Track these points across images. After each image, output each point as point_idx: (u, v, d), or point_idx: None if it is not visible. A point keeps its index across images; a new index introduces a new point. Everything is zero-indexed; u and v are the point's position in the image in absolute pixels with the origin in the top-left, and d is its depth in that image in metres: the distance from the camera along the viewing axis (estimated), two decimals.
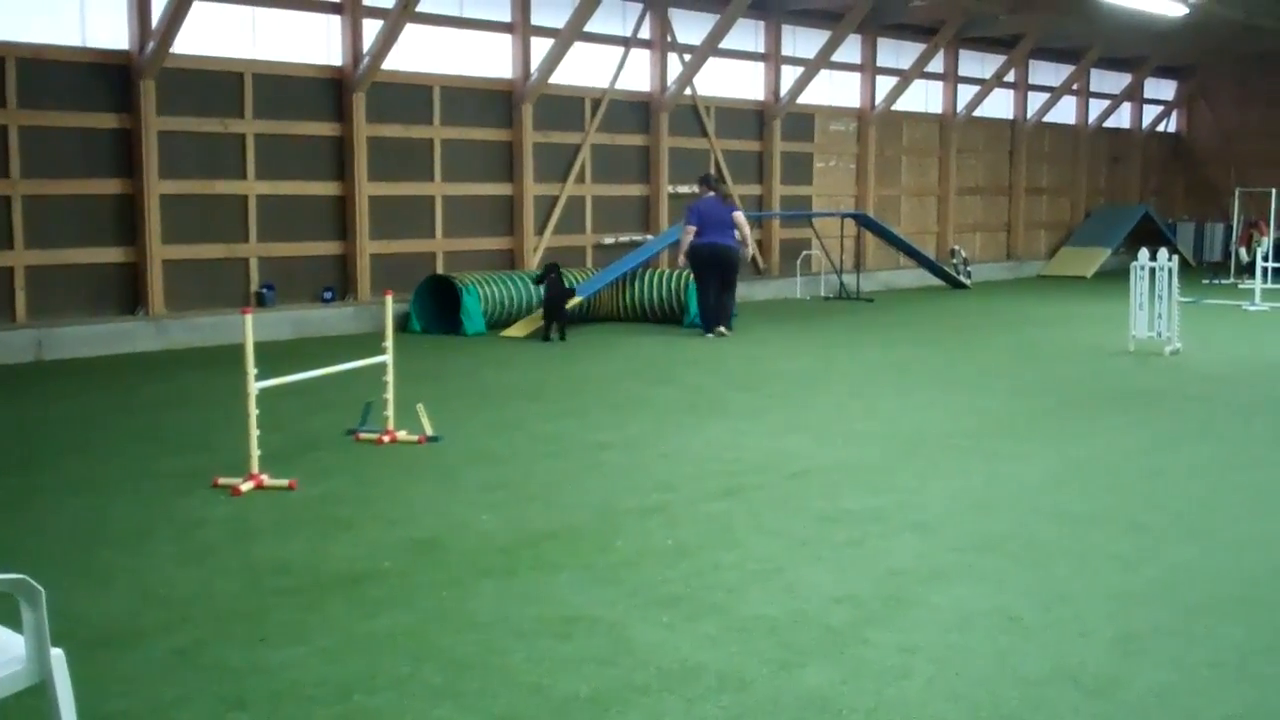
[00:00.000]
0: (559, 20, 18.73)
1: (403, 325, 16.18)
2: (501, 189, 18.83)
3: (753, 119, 22.85)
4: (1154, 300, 14.69)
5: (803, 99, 23.28)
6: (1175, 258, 14.82)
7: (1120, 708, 4.71)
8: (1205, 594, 6.02)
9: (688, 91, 21.14)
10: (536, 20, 18.82)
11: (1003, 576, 6.28)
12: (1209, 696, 4.81)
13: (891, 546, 6.79)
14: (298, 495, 7.76)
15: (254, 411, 7.91)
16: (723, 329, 16.26)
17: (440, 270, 17.73)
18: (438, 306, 16.77)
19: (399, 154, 17.53)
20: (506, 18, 18.63)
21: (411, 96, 17.64)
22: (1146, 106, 33.29)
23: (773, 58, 22.92)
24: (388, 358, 9.41)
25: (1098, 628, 5.53)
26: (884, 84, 25.17)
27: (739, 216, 16.58)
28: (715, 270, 16.32)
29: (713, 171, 20.52)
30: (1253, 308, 20.21)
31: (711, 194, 16.88)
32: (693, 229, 16.27)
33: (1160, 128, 34.01)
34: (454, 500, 7.73)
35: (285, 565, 6.36)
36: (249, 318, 7.88)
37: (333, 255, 16.96)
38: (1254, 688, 4.90)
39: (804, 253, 23.06)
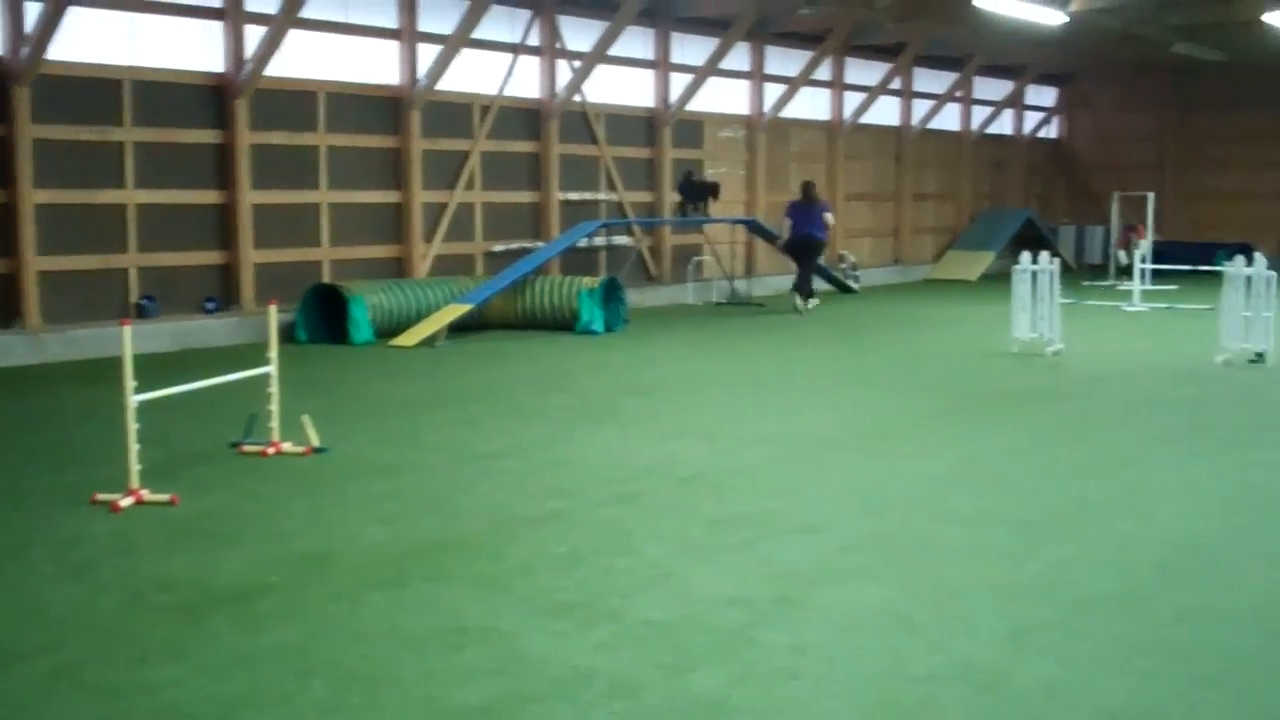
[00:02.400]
0: (447, 26, 18.62)
1: (288, 336, 15.95)
2: (389, 196, 18.66)
3: (643, 126, 22.91)
4: (1036, 302, 14.99)
5: (692, 106, 23.39)
6: (1056, 261, 15.13)
7: (1007, 702, 4.79)
8: (1088, 589, 6.15)
9: (577, 98, 21.14)
10: (424, 26, 18.69)
11: (891, 575, 6.35)
12: (1093, 689, 4.91)
13: (782, 548, 6.84)
14: (180, 510, 7.61)
15: (134, 425, 7.74)
16: (800, 301, 20.59)
17: (327, 279, 17.52)
18: (325, 316, 16.55)
19: (283, 161, 17.29)
20: (393, 23, 18.48)
21: (296, 103, 17.42)
22: (1028, 113, 33.96)
23: (662, 65, 23.01)
24: (272, 368, 9.28)
25: (984, 624, 5.62)
26: (772, 91, 25.38)
27: (828, 217, 21.11)
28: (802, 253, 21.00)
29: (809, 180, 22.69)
30: (1131, 308, 20.70)
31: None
32: (788, 222, 21.03)
33: (1041, 134, 34.72)
34: (342, 512, 7.64)
35: (167, 582, 6.23)
36: (128, 330, 7.73)
37: (216, 265, 16.67)
38: (1136, 680, 5.01)
39: (695, 259, 23.16)
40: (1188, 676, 5.05)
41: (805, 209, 20.95)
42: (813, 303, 20.81)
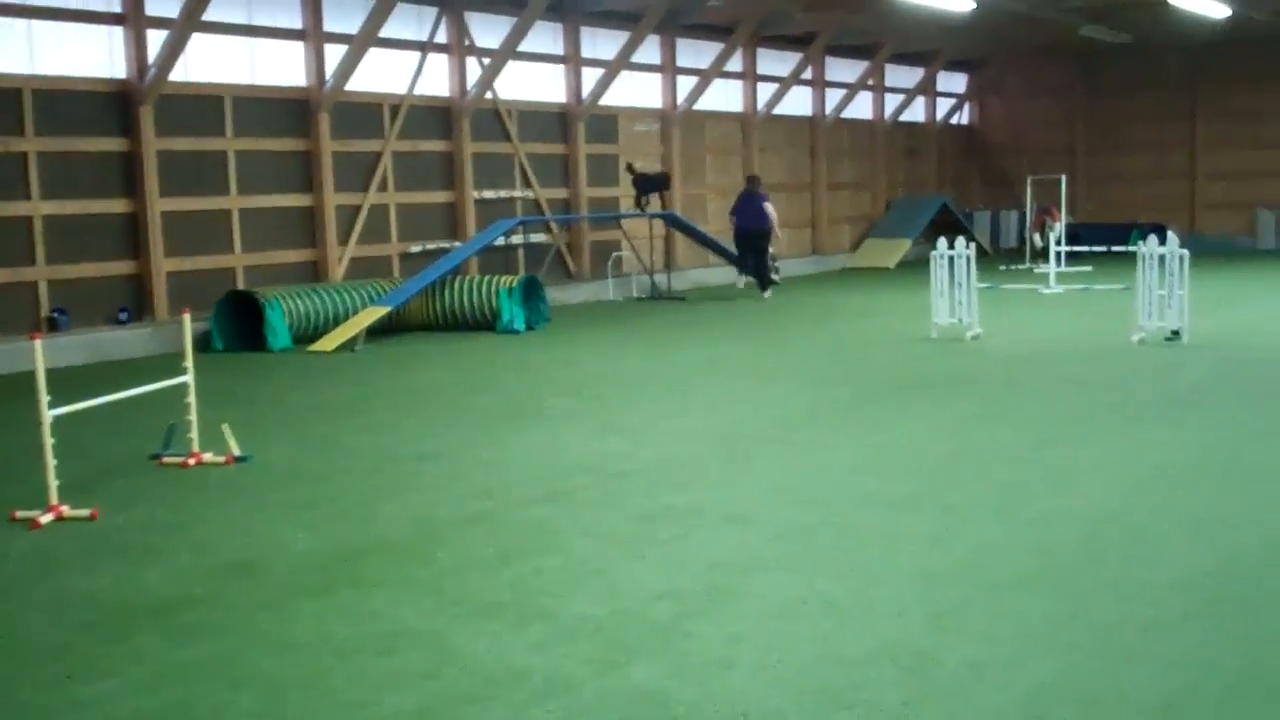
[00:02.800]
0: (353, 26, 18.51)
1: (204, 345, 15.79)
2: (301, 200, 18.52)
3: (556, 122, 22.92)
4: (954, 288, 15.22)
5: (605, 100, 23.44)
6: (973, 246, 15.37)
7: (936, 683, 4.89)
8: (1010, 570, 6.28)
9: (489, 96, 21.10)
10: (330, 26, 18.56)
11: (819, 563, 6.45)
12: (1019, 667, 5.02)
13: (711, 540, 6.92)
14: (101, 524, 7.54)
15: (50, 440, 7.66)
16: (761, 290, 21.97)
17: (241, 286, 17.36)
18: (240, 323, 16.41)
19: (191, 167, 17.10)
20: (298, 24, 18.34)
21: (202, 108, 17.23)
22: (940, 100, 34.37)
23: (573, 60, 23.03)
24: (188, 378, 9.20)
25: (911, 607, 5.73)
26: (685, 84, 25.48)
27: (767, 207, 22.02)
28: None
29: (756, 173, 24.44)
30: (1047, 291, 21.04)
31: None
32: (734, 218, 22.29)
33: (954, 120, 35.16)
34: (266, 521, 7.60)
35: (91, 597, 6.17)
36: (39, 343, 7.65)
37: (126, 275, 16.46)
38: (1061, 656, 5.13)
39: (614, 254, 23.21)
40: (1113, 651, 5.18)
41: (748, 201, 22.17)
42: (768, 293, 21.97)
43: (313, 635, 5.56)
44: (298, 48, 18.41)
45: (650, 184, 22.49)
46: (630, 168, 22.61)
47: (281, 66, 18.28)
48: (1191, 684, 4.86)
